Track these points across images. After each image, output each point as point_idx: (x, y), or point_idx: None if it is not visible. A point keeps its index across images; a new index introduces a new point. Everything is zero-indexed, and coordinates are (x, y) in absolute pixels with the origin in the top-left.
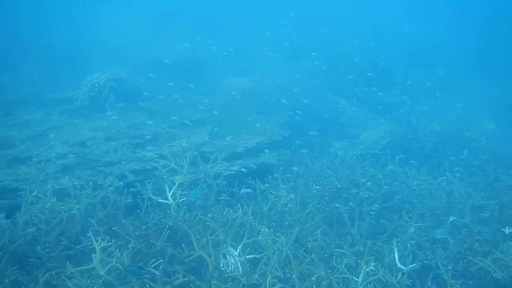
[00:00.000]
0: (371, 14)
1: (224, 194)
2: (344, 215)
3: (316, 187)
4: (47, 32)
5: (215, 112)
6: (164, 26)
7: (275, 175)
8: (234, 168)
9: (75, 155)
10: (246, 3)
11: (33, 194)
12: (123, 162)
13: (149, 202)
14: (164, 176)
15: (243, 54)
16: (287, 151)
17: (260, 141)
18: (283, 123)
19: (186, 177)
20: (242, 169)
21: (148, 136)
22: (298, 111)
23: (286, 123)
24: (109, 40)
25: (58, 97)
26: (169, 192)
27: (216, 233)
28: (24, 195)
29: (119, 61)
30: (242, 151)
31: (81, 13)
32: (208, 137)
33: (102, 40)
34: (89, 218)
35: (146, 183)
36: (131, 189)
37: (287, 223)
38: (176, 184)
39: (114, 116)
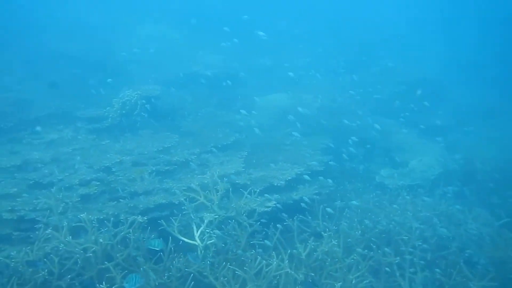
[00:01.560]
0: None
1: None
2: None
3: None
4: (81, 42)
5: (256, 129)
6: (198, 36)
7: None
8: (270, 204)
9: (99, 183)
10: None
11: (47, 231)
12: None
13: (172, 244)
14: (191, 214)
15: (282, 67)
16: (329, 182)
17: (299, 172)
18: (325, 148)
19: (216, 215)
20: (278, 205)
21: (177, 163)
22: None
23: (328, 147)
24: (144, 51)
25: (87, 114)
26: (197, 232)
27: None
28: (38, 231)
29: (154, 74)
30: (279, 184)
31: (116, 25)
32: (243, 165)
33: (137, 52)
34: (105, 262)
35: (172, 219)
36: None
37: (328, 272)
38: (205, 223)
39: (144, 137)
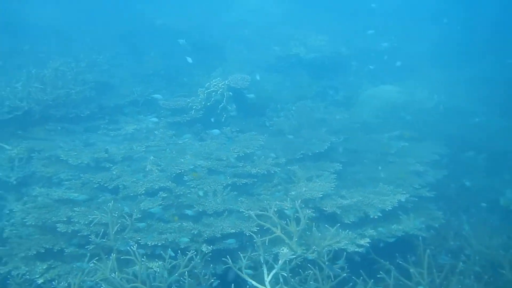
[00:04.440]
0: None
1: None
2: None
3: None
4: (181, 15)
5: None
6: (303, 13)
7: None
8: (362, 242)
9: (166, 195)
10: None
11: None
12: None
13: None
14: (262, 254)
15: (395, 53)
16: (440, 213)
17: (403, 199)
18: (438, 160)
19: (294, 254)
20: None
21: (258, 175)
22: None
23: (443, 157)
24: (243, 29)
25: (170, 104)
26: (268, 275)
27: None
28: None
29: (251, 54)
30: (376, 217)
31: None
32: (335, 183)
33: (235, 30)
34: None
35: (241, 254)
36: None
37: None
38: (280, 263)
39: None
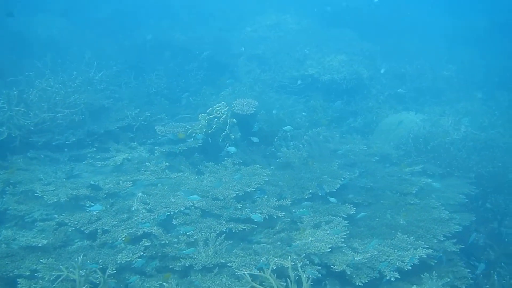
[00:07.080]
0: None
1: None
2: None
3: None
4: (191, 31)
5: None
6: (321, 30)
7: None
8: None
9: (150, 243)
10: None
11: None
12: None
13: None
14: None
15: (421, 76)
16: (468, 270)
17: (425, 255)
18: (466, 202)
19: None
20: None
21: (256, 219)
22: None
23: (471, 200)
24: (258, 46)
25: (168, 131)
26: None
27: None
28: None
29: (264, 74)
30: (393, 278)
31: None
32: (346, 232)
33: (249, 47)
34: None
35: None
36: None
37: None
38: None
39: (228, 170)
